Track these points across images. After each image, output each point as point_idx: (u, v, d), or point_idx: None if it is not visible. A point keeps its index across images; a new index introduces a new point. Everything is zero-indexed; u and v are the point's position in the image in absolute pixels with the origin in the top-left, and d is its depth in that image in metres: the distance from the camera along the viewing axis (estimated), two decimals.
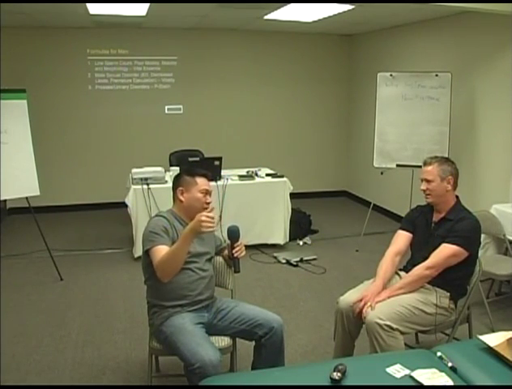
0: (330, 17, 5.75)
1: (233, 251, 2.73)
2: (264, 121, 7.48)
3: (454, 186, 2.86)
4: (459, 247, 2.69)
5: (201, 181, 2.67)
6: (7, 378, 2.96)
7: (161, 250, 2.47)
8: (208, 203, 2.67)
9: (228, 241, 2.77)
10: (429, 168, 2.84)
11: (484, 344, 2.12)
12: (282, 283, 4.60)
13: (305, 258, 5.13)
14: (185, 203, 2.65)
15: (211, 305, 2.68)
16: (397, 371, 1.99)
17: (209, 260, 2.74)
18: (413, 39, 6.23)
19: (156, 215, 2.68)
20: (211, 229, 2.43)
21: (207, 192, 2.68)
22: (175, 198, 2.71)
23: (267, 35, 7.17)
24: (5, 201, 5.99)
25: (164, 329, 2.49)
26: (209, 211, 2.55)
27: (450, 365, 2.04)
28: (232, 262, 2.79)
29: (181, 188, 2.67)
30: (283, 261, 5.10)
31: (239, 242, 2.75)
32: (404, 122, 5.44)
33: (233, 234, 2.75)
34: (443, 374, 1.95)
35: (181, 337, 2.40)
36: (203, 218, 2.38)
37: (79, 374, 3.07)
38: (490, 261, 3.84)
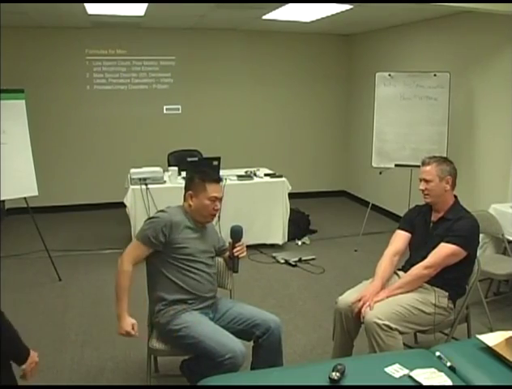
0: (328, 17, 5.74)
1: (234, 250, 2.74)
2: (262, 121, 7.48)
3: (453, 186, 2.86)
4: (458, 247, 2.70)
5: (211, 188, 2.63)
6: None
7: (137, 249, 2.57)
8: (216, 210, 2.65)
9: (230, 240, 2.78)
10: (428, 168, 2.84)
11: (483, 343, 2.12)
12: (281, 283, 4.60)
13: (304, 258, 5.13)
14: (193, 207, 2.65)
15: (215, 303, 2.70)
16: (396, 371, 1.99)
17: (211, 258, 2.74)
18: (412, 39, 6.23)
19: (163, 211, 2.66)
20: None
21: (217, 199, 2.65)
22: (185, 198, 2.71)
23: (266, 35, 7.17)
24: (3, 201, 5.98)
25: (174, 327, 2.49)
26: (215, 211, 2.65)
27: (448, 364, 2.04)
28: (232, 262, 2.80)
29: (190, 192, 2.66)
30: (282, 261, 5.10)
31: (241, 242, 2.76)
32: (403, 122, 5.44)
33: (236, 234, 2.76)
34: (442, 373, 1.95)
35: (201, 331, 2.41)
36: (128, 329, 2.51)
37: (78, 374, 3.07)
38: (489, 261, 3.84)
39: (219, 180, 2.72)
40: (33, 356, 2.01)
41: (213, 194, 2.63)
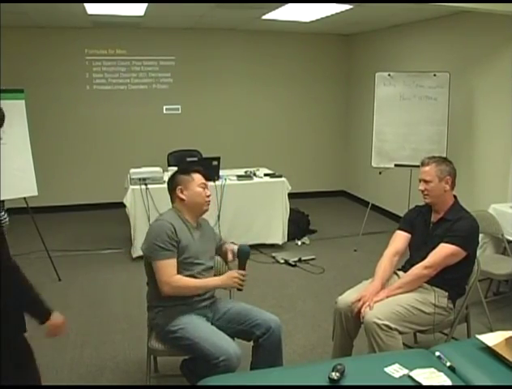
0: (328, 17, 5.75)
1: (235, 280, 2.62)
2: (262, 121, 7.48)
3: (452, 186, 2.86)
4: (457, 247, 2.70)
5: (197, 177, 2.69)
6: None
7: (167, 266, 2.48)
8: (209, 196, 2.69)
9: (234, 257, 2.76)
10: (427, 168, 2.84)
11: (483, 343, 2.12)
12: (280, 283, 4.60)
13: (304, 258, 5.13)
14: (187, 200, 2.65)
15: (215, 303, 2.70)
16: (395, 371, 1.99)
17: (211, 258, 2.75)
18: (411, 39, 6.23)
19: (158, 220, 2.65)
20: (241, 288, 2.59)
21: (205, 186, 2.70)
22: (174, 198, 2.71)
23: (265, 35, 7.17)
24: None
25: (171, 328, 2.49)
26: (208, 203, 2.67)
27: (448, 364, 2.04)
28: None
29: (179, 187, 2.67)
30: (282, 261, 5.10)
31: (245, 272, 2.65)
32: (402, 122, 5.44)
33: (244, 255, 2.68)
34: (442, 373, 1.95)
35: (197, 333, 2.41)
36: (236, 275, 2.53)
37: (78, 374, 3.07)
38: (488, 261, 3.85)
39: (199, 170, 2.73)
40: (55, 317, 2.09)
41: (201, 180, 2.68)
